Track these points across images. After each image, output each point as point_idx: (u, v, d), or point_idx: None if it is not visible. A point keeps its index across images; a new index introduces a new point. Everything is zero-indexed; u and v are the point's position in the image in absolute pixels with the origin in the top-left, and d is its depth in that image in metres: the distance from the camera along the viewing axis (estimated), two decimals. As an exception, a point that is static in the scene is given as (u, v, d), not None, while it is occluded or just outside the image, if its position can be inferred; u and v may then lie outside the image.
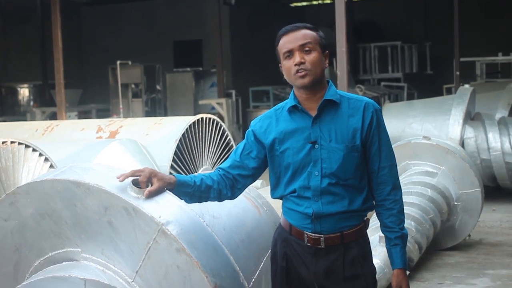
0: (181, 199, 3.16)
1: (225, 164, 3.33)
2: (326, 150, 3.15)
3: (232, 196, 3.33)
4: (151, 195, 3.03)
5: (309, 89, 3.18)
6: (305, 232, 3.20)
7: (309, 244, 3.20)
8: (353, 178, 3.18)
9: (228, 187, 3.28)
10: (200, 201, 3.26)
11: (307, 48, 3.14)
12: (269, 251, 3.45)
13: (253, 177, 3.35)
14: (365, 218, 3.30)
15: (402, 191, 3.38)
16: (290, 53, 3.16)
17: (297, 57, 3.14)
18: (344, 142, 3.15)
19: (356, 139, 3.17)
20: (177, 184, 3.14)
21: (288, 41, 3.17)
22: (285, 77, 3.23)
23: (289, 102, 3.25)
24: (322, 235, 3.18)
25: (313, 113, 3.19)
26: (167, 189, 3.12)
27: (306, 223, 3.19)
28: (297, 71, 3.14)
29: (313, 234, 3.18)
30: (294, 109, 3.23)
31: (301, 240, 3.22)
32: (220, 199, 3.30)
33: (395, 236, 3.25)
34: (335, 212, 3.16)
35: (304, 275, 3.23)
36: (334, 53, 9.36)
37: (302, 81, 3.15)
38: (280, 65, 3.24)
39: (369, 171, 3.24)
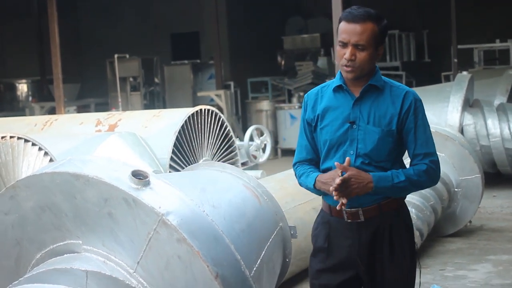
0: None
1: (305, 155, 3.43)
2: (362, 131, 3.27)
3: None
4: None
5: (352, 81, 3.30)
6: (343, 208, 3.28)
7: (349, 220, 3.30)
8: (386, 161, 3.29)
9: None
10: None
11: (360, 47, 3.22)
12: (270, 240, 3.46)
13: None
14: None
15: None
16: (344, 44, 3.25)
17: (348, 53, 3.23)
18: (380, 126, 3.27)
19: (393, 124, 3.27)
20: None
21: (345, 31, 3.25)
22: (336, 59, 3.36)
23: (335, 81, 3.37)
24: (360, 208, 3.28)
25: (357, 94, 3.31)
26: None
27: None
28: (345, 65, 3.25)
29: (351, 209, 3.28)
30: (339, 89, 3.34)
31: (341, 218, 3.32)
32: None
33: (400, 179, 3.25)
34: None
35: (346, 252, 3.31)
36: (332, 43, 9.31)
37: (346, 75, 3.29)
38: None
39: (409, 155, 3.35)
